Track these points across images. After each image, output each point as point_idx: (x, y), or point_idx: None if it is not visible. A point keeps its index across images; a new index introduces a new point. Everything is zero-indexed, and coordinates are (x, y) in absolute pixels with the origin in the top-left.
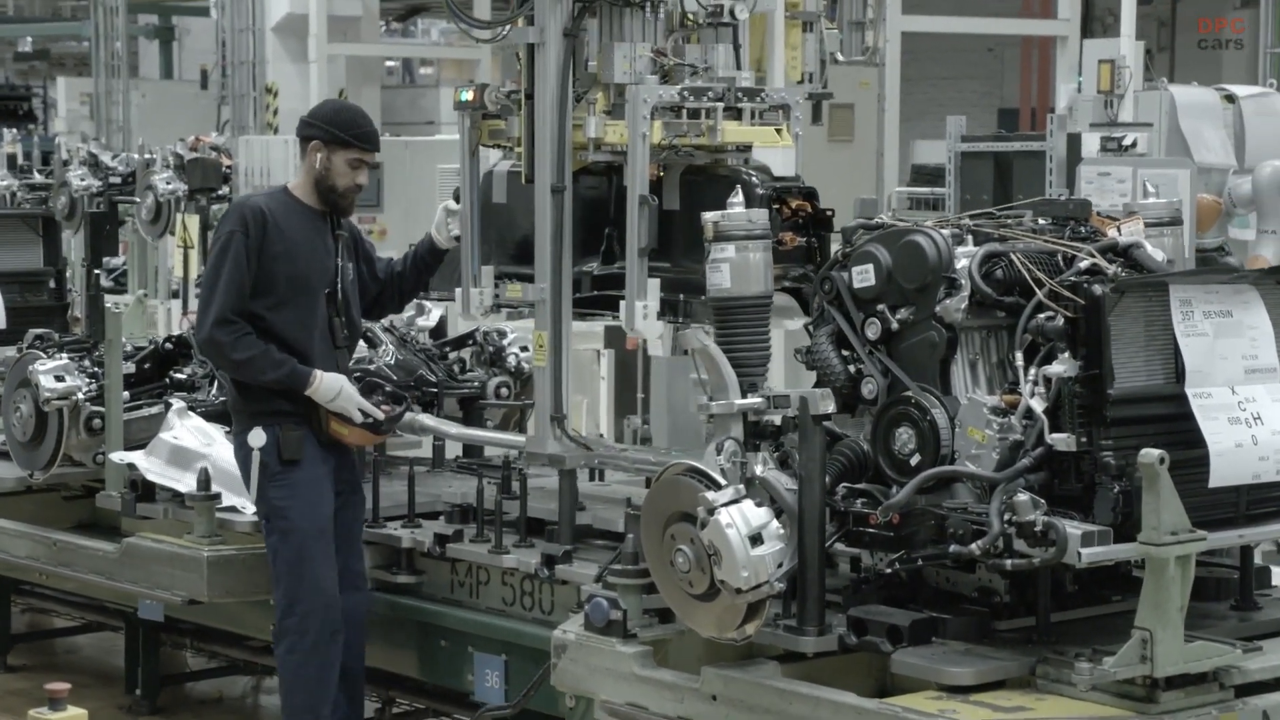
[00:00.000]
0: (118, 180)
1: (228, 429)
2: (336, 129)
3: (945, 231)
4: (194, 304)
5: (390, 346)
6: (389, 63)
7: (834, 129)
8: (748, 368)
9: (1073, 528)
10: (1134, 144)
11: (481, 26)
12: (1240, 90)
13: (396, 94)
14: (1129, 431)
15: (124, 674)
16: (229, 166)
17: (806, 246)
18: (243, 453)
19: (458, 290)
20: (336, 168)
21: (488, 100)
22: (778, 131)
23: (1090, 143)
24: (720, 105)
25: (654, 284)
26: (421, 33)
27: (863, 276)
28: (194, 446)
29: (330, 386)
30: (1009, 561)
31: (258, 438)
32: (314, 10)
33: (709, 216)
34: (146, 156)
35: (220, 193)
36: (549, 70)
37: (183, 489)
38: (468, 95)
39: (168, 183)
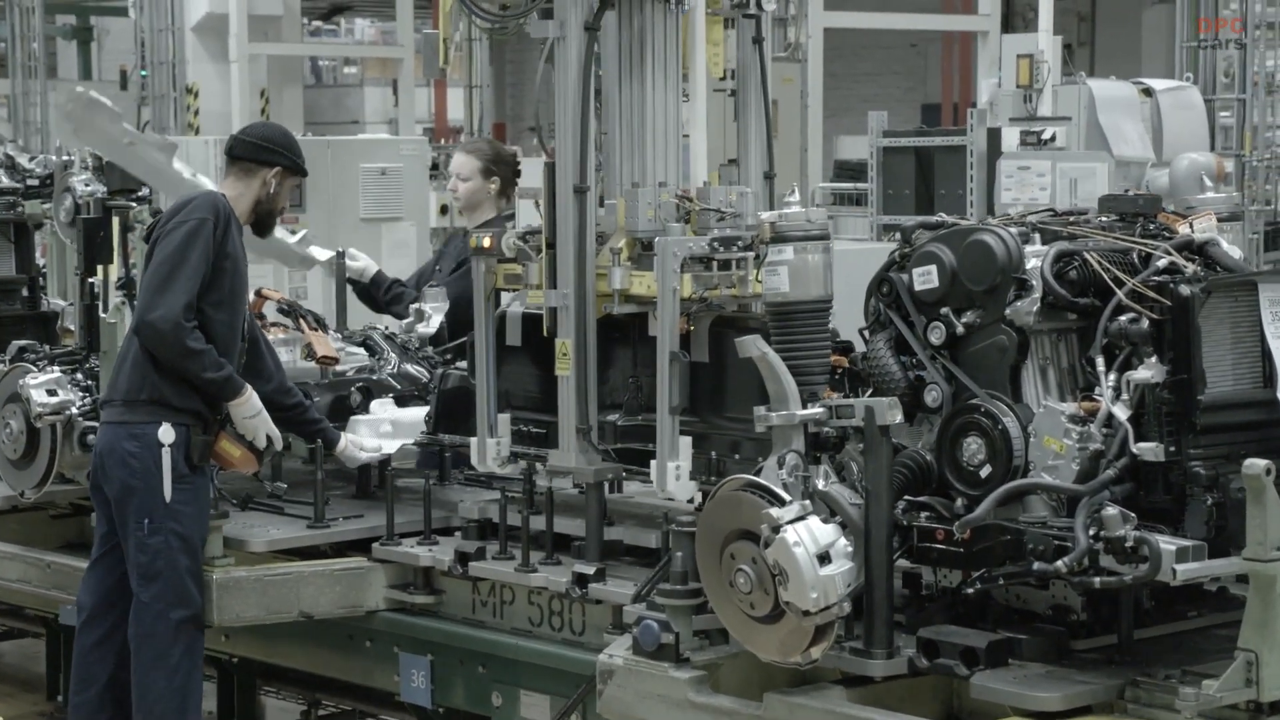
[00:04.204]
0: (35, 183)
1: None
2: (297, 157)
3: (1012, 229)
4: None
5: (393, 355)
6: (322, 62)
7: None
8: (808, 376)
9: (1166, 543)
10: (1053, 138)
11: (494, 18)
12: (1157, 84)
13: (319, 93)
14: (1219, 440)
15: (45, 681)
16: None
17: None
18: (140, 445)
19: (472, 441)
20: (283, 193)
21: (504, 246)
22: None
23: (1010, 137)
24: (751, 255)
25: (685, 442)
26: (345, 32)
27: (925, 278)
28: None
29: (254, 404)
30: (1098, 579)
31: (168, 434)
32: (234, 9)
33: (766, 217)
34: (65, 158)
35: (140, 194)
36: (570, 67)
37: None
38: (485, 241)
39: (86, 184)
